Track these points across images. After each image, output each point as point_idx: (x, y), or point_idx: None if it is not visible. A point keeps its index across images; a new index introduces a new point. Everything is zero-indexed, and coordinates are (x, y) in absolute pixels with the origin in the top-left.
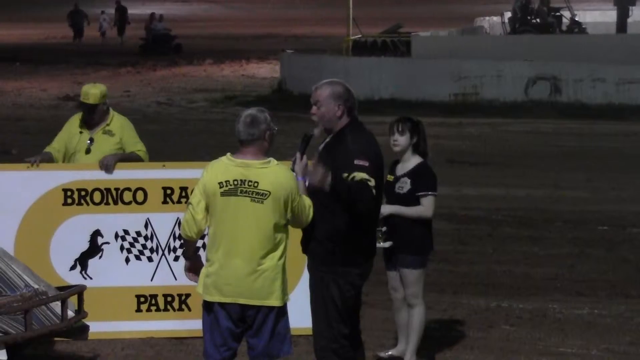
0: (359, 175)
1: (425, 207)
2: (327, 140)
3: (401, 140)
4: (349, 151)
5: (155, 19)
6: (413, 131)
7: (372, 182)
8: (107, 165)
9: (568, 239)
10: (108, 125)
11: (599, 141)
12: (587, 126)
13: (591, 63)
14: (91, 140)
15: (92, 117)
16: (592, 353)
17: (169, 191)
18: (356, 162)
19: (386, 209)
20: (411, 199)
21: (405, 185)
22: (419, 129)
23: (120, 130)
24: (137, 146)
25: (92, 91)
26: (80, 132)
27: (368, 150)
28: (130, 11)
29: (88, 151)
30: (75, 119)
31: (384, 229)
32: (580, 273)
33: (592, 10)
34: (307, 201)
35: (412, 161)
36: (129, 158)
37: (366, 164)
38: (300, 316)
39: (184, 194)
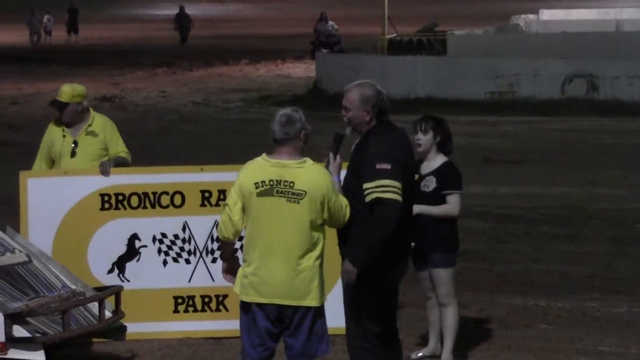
0: (380, 188)
1: (452, 205)
2: (357, 141)
3: (424, 139)
4: (371, 155)
5: (324, 19)
6: (436, 130)
7: (392, 189)
8: (106, 170)
9: (605, 237)
10: (90, 125)
11: (636, 139)
12: (625, 124)
13: (628, 60)
14: (75, 143)
15: (63, 115)
16: (631, 352)
17: (207, 194)
18: (377, 166)
19: (414, 208)
20: (437, 198)
21: (430, 184)
22: (442, 127)
23: (102, 130)
24: (119, 147)
25: (65, 89)
26: (64, 136)
27: (390, 152)
28: (157, 12)
29: (73, 154)
30: (52, 127)
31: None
32: (618, 271)
33: (629, 7)
34: (344, 201)
35: (437, 160)
36: (120, 163)
37: (388, 167)
38: (338, 315)
39: (222, 197)
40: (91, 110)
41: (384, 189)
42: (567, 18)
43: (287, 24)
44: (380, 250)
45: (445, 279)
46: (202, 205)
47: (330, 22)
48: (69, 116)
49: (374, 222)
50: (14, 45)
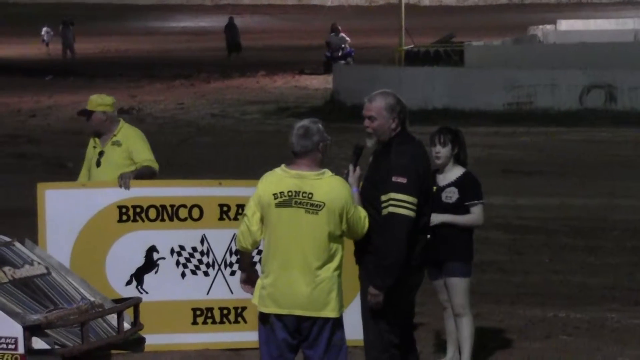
0: (392, 202)
1: (477, 215)
2: (375, 150)
3: (443, 151)
4: (390, 166)
5: (334, 30)
6: (454, 142)
7: (405, 204)
8: (125, 183)
9: (625, 248)
10: (115, 136)
11: None
12: None
13: None
14: (101, 153)
15: (90, 124)
16: None
17: (225, 208)
18: (394, 179)
19: (438, 218)
20: (460, 208)
21: (453, 195)
22: (459, 138)
23: (126, 140)
24: (142, 155)
25: (92, 97)
26: (94, 147)
27: (409, 166)
28: (174, 24)
29: (98, 164)
30: (91, 138)
31: (427, 236)
32: (637, 282)
33: None
34: (362, 212)
35: (454, 171)
36: (143, 173)
37: (404, 180)
38: (356, 327)
39: (240, 211)
40: (121, 121)
41: (396, 202)
42: (585, 28)
43: (305, 36)
44: (399, 269)
45: (461, 289)
46: (221, 219)
47: (341, 34)
48: (94, 124)
49: (385, 244)
50: (31, 57)
